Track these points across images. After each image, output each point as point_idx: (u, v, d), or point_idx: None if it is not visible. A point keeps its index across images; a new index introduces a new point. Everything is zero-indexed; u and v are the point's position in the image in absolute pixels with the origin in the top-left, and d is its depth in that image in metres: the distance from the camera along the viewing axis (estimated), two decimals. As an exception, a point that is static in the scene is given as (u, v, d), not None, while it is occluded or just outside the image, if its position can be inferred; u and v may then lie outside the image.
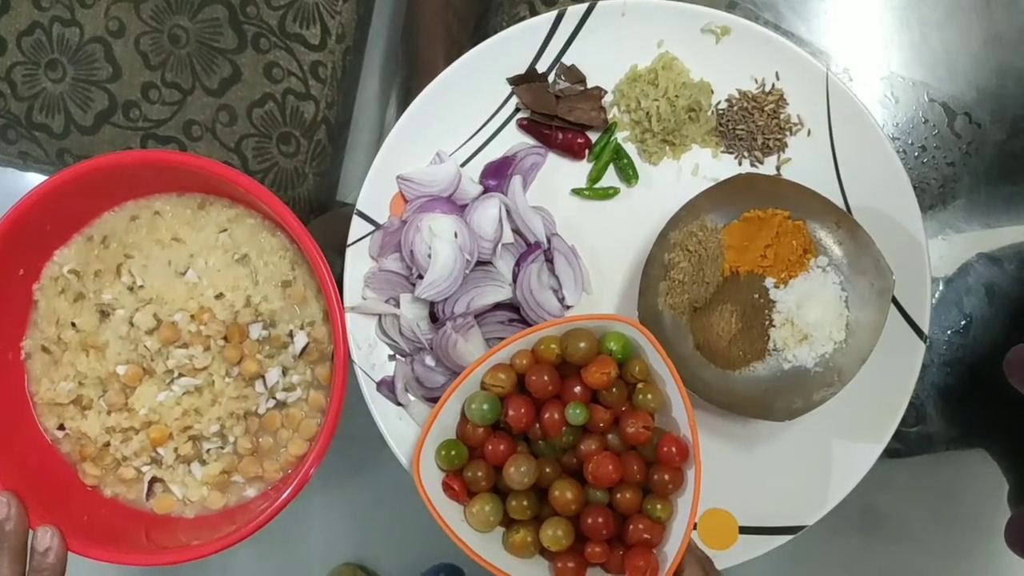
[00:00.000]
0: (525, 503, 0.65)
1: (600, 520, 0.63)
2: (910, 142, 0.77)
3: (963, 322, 0.78)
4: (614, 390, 0.65)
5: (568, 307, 0.70)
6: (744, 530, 0.69)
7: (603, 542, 0.64)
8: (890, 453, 0.69)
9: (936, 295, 0.77)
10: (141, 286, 0.71)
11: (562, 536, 0.63)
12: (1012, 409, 0.74)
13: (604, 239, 0.72)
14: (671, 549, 0.63)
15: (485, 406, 0.65)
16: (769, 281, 0.68)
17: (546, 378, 0.64)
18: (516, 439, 0.67)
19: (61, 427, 0.71)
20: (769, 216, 0.68)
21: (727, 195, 0.68)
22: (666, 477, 0.64)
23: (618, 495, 0.64)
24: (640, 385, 0.65)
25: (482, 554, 0.64)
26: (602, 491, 0.65)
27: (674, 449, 0.63)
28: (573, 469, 0.66)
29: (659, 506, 0.64)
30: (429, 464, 0.65)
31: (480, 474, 0.65)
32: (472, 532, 0.65)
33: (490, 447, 0.65)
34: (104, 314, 0.71)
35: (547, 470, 0.65)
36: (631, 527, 0.64)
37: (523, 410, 0.64)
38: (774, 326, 0.67)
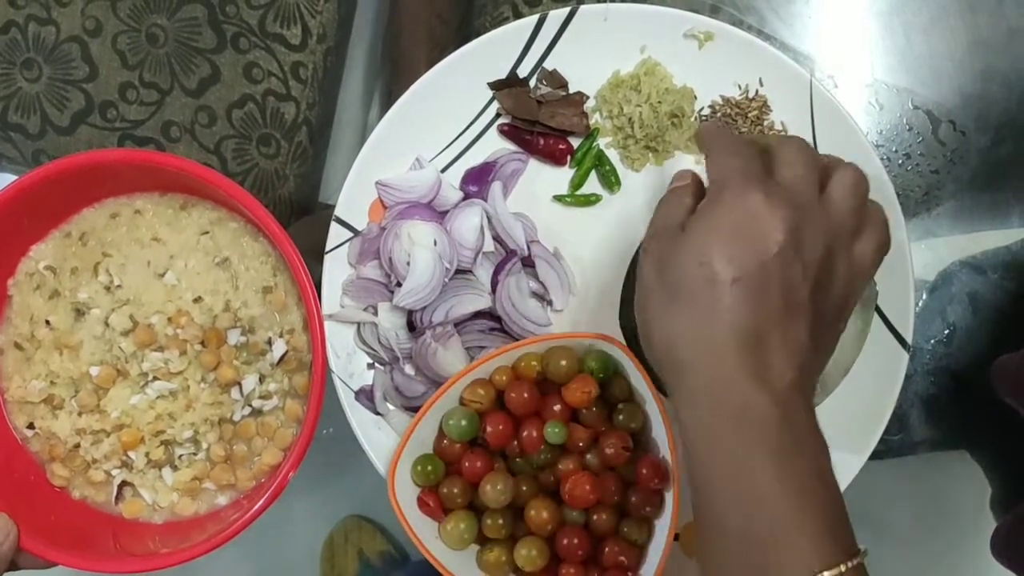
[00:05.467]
0: (500, 521, 0.64)
1: (576, 541, 0.63)
2: (894, 149, 0.77)
3: (946, 331, 0.78)
4: (594, 409, 0.64)
5: (558, 311, 0.70)
6: (725, 539, 0.69)
7: (578, 564, 0.63)
8: (873, 455, 0.68)
9: (919, 304, 0.77)
10: (119, 286, 0.70)
11: (536, 556, 0.63)
12: (996, 419, 0.74)
13: (586, 246, 0.71)
14: (647, 572, 0.62)
15: (463, 422, 0.64)
16: (752, 289, 0.67)
17: (526, 395, 0.64)
18: (493, 456, 0.66)
19: (31, 426, 0.70)
20: (752, 224, 0.67)
21: (710, 203, 0.67)
22: (643, 499, 0.63)
23: (595, 516, 0.64)
24: (620, 405, 0.65)
25: (456, 573, 0.63)
26: (578, 511, 0.64)
27: (652, 471, 0.62)
28: (550, 488, 0.65)
29: (636, 529, 0.63)
30: (404, 479, 0.65)
31: (456, 491, 0.64)
32: (446, 550, 0.64)
33: (467, 463, 0.64)
34: (79, 313, 0.70)
35: (524, 488, 0.64)
36: (607, 549, 0.63)
37: (501, 427, 0.64)
38: (757, 334, 0.67)
